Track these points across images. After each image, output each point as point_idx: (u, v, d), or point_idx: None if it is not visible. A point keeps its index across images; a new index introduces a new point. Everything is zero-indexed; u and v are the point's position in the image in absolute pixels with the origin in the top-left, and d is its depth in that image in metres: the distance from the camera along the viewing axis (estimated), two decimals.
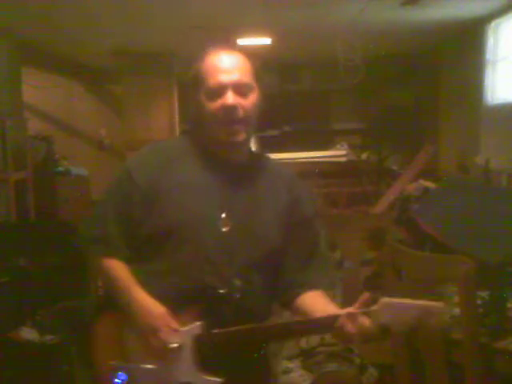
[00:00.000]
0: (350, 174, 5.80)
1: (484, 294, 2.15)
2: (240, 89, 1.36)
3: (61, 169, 5.22)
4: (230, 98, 1.34)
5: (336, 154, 6.21)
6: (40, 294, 3.05)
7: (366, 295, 1.22)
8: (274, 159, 1.58)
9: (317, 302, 1.36)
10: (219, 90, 1.35)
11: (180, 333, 1.28)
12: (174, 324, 1.28)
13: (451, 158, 5.52)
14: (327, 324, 1.24)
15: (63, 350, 2.77)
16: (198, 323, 1.28)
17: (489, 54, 4.83)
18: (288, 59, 6.67)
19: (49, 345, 2.75)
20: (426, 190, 4.15)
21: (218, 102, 1.35)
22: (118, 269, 1.39)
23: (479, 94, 4.93)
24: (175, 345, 1.27)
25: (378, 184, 5.76)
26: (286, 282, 1.43)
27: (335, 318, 1.22)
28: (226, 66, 1.37)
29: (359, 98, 6.86)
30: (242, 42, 4.89)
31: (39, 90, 6.08)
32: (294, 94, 6.93)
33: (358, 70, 5.10)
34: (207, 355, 1.28)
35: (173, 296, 1.32)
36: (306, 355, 2.60)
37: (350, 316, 1.20)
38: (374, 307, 1.19)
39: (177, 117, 6.19)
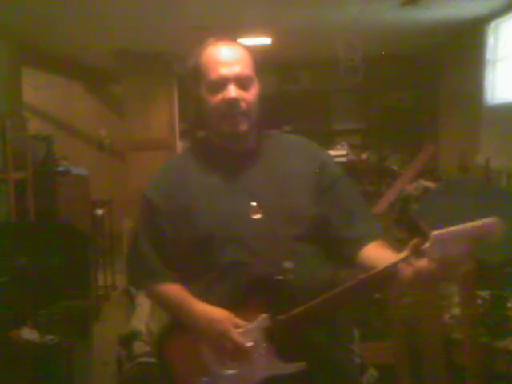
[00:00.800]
0: (350, 174, 5.78)
1: (484, 293, 2.15)
2: (241, 81, 1.35)
3: (61, 169, 5.21)
4: (232, 91, 1.33)
5: (336, 154, 6.20)
6: (40, 294, 3.04)
7: (415, 239, 1.17)
8: (287, 134, 1.58)
9: (376, 254, 1.33)
10: (221, 83, 1.34)
11: (250, 329, 1.28)
12: (242, 323, 1.28)
13: (451, 158, 5.52)
14: (387, 275, 1.20)
15: (63, 350, 2.77)
16: (263, 315, 1.28)
17: (489, 54, 4.83)
18: (288, 59, 6.67)
19: (49, 345, 2.74)
20: (426, 189, 4.15)
21: (220, 96, 1.34)
22: (170, 290, 1.41)
23: (479, 94, 4.93)
24: (250, 343, 1.27)
25: (378, 184, 5.76)
26: (341, 243, 1.41)
27: (392, 267, 1.18)
28: (227, 58, 1.36)
29: (359, 98, 6.87)
30: (242, 42, 4.87)
31: (39, 90, 6.10)
32: (294, 94, 6.93)
33: (358, 70, 5.10)
34: (282, 343, 1.27)
35: (231, 297, 1.32)
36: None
37: (405, 261, 1.16)
38: (426, 245, 1.13)
39: (177, 117, 6.19)
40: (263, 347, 1.28)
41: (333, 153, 6.25)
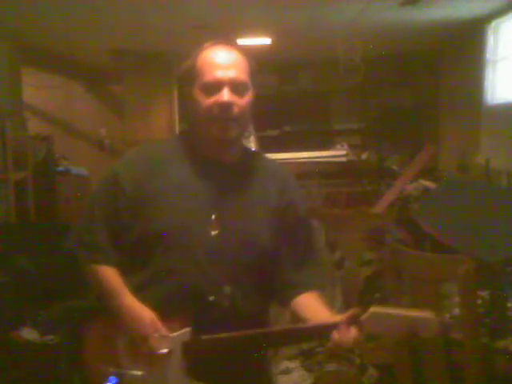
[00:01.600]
0: (350, 173, 5.79)
1: (484, 293, 2.15)
2: (236, 86, 1.32)
3: (61, 169, 5.22)
4: (226, 94, 1.31)
5: (336, 153, 6.20)
6: (40, 294, 3.04)
7: (356, 309, 1.21)
8: (268, 157, 1.54)
9: (310, 307, 1.35)
10: (215, 86, 1.32)
11: (169, 339, 1.27)
12: (163, 330, 1.27)
13: (451, 158, 5.52)
14: (314, 333, 1.26)
15: (63, 350, 2.77)
16: (186, 329, 1.27)
17: (489, 54, 4.83)
18: (288, 59, 6.67)
19: (49, 345, 2.74)
20: (426, 189, 4.15)
21: (213, 98, 1.32)
22: (107, 275, 1.37)
23: (479, 94, 4.93)
24: (164, 351, 1.26)
25: (378, 184, 5.75)
26: (281, 283, 1.42)
27: (324, 327, 1.22)
28: (224, 61, 1.33)
29: (359, 98, 6.86)
30: (242, 41, 4.89)
31: (39, 90, 6.09)
32: (294, 94, 6.92)
33: (358, 70, 5.10)
34: (196, 361, 1.27)
35: (162, 301, 1.30)
36: (305, 355, 2.61)
37: (338, 326, 1.19)
38: (363, 317, 1.18)
39: (177, 117, 6.19)
40: (176, 359, 1.27)
41: (333, 153, 6.26)
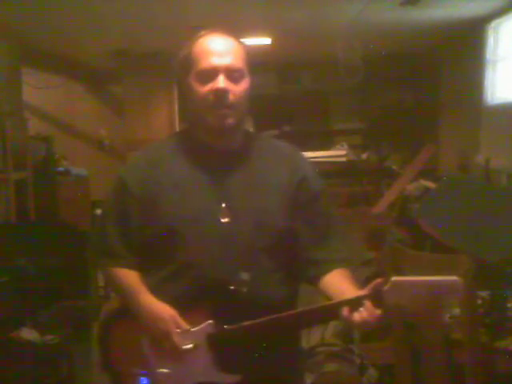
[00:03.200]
0: (350, 173, 5.79)
1: (484, 293, 2.15)
2: (232, 73, 1.31)
3: (61, 169, 5.22)
4: (222, 81, 1.29)
5: (336, 153, 6.19)
6: (40, 294, 3.04)
7: (377, 280, 1.17)
8: (273, 139, 1.52)
9: (336, 285, 1.31)
10: (211, 73, 1.30)
11: (192, 333, 1.27)
12: (184, 325, 1.27)
13: (451, 158, 5.52)
14: (338, 310, 1.19)
15: (63, 350, 2.77)
16: (209, 322, 1.27)
17: (489, 54, 4.83)
18: (288, 59, 6.67)
19: (49, 345, 2.74)
20: (426, 189, 4.15)
21: (209, 86, 1.30)
22: (126, 276, 1.38)
23: (479, 94, 4.93)
24: (189, 346, 1.26)
25: (378, 184, 5.75)
26: (305, 263, 1.38)
27: (345, 303, 1.18)
28: (219, 49, 1.32)
29: (359, 98, 6.86)
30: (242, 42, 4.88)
31: (39, 90, 6.09)
32: (294, 94, 6.92)
33: (358, 70, 5.10)
34: (222, 352, 1.26)
35: (182, 296, 1.30)
36: (306, 355, 2.60)
37: (362, 301, 1.16)
38: (386, 287, 1.14)
39: (177, 117, 6.19)
40: (203, 353, 1.27)
41: (333, 153, 6.25)
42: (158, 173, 1.37)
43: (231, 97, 1.31)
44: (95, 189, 5.53)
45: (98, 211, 5.06)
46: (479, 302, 2.08)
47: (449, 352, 1.93)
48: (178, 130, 6.15)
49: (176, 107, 6.17)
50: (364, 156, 6.41)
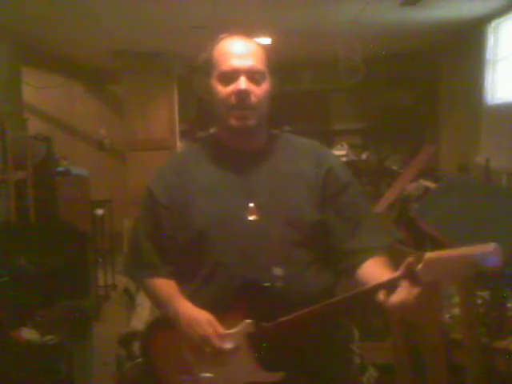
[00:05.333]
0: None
1: (484, 293, 2.15)
2: (253, 75, 1.34)
3: (61, 169, 5.21)
4: (243, 83, 1.32)
5: (336, 154, 6.20)
6: (40, 294, 3.04)
7: (410, 259, 1.13)
8: (294, 135, 1.53)
9: (373, 273, 1.29)
10: (232, 75, 1.33)
11: (231, 335, 1.27)
12: (222, 329, 1.27)
13: (451, 158, 5.52)
14: (375, 294, 1.15)
15: (63, 350, 2.77)
16: (247, 321, 1.26)
17: (489, 54, 4.83)
18: (288, 59, 6.66)
19: (49, 345, 2.74)
20: (426, 189, 4.15)
21: (231, 87, 1.33)
22: (161, 286, 1.40)
23: (479, 93, 4.93)
24: (228, 347, 1.26)
25: (378, 184, 5.75)
26: (341, 253, 1.37)
27: (380, 287, 1.14)
28: (240, 51, 1.35)
29: (359, 98, 6.86)
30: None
31: (39, 90, 6.09)
32: (294, 94, 6.92)
33: (358, 70, 5.10)
34: (264, 351, 1.26)
35: (218, 300, 1.31)
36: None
37: (395, 281, 1.12)
38: (420, 266, 1.10)
39: (177, 117, 6.19)
40: (244, 353, 1.26)
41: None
42: (183, 180, 1.40)
43: (253, 98, 1.34)
44: (95, 189, 5.53)
45: (99, 211, 5.06)
46: (479, 301, 2.08)
47: (449, 352, 1.93)
48: (177, 130, 6.15)
49: (176, 107, 6.17)
50: (364, 156, 6.42)
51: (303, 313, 1.22)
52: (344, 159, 6.13)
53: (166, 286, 1.40)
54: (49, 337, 2.77)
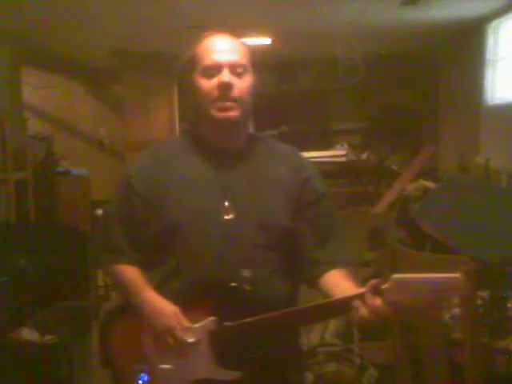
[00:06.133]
0: (350, 174, 5.79)
1: (484, 293, 2.15)
2: (236, 69, 1.34)
3: (61, 169, 5.22)
4: (226, 75, 1.33)
5: (336, 153, 6.20)
6: (40, 294, 3.04)
7: (376, 279, 1.18)
8: (276, 141, 1.54)
9: (337, 284, 1.33)
10: (215, 69, 1.34)
11: (194, 329, 1.28)
12: (186, 322, 1.28)
13: (451, 158, 5.52)
14: (339, 307, 1.21)
15: (63, 350, 2.77)
16: (211, 318, 1.27)
17: (489, 54, 4.83)
18: (287, 59, 6.67)
19: (49, 345, 2.74)
20: (426, 189, 4.15)
21: (214, 81, 1.34)
22: (128, 273, 1.39)
23: (479, 93, 4.93)
24: (191, 340, 1.27)
25: (378, 184, 5.76)
26: (307, 262, 1.40)
27: (345, 300, 1.19)
28: (223, 46, 1.36)
29: (359, 97, 6.87)
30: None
31: (39, 90, 6.09)
32: (294, 94, 6.93)
33: (358, 70, 5.10)
34: (224, 349, 1.27)
35: (184, 293, 1.31)
36: (305, 354, 2.60)
37: (362, 297, 1.17)
38: (386, 285, 1.14)
39: (177, 117, 6.19)
40: (204, 349, 1.27)
41: (333, 153, 6.26)
42: (164, 171, 1.39)
43: (235, 91, 1.34)
44: (95, 189, 5.53)
45: (99, 211, 5.06)
46: (479, 302, 2.08)
47: (449, 352, 1.93)
48: (177, 129, 6.15)
49: (176, 107, 6.17)
50: (364, 156, 6.42)
51: (268, 316, 1.24)
52: (344, 159, 6.14)
53: (132, 273, 1.39)
54: (49, 337, 2.77)
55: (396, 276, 1.13)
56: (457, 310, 2.03)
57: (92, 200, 5.26)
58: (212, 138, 1.41)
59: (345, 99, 6.97)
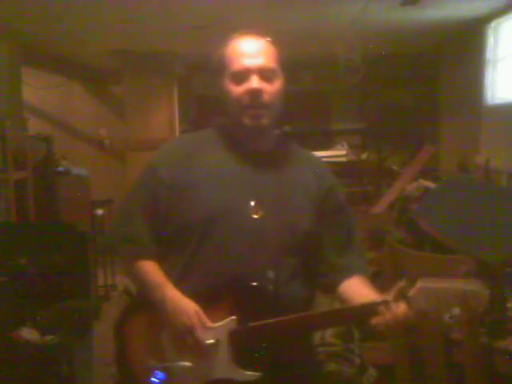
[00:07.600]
0: (350, 173, 5.79)
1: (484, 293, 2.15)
2: (265, 73, 1.34)
3: (61, 169, 5.21)
4: (255, 82, 1.33)
5: (336, 153, 6.20)
6: (40, 294, 3.04)
7: (402, 283, 1.18)
8: (300, 147, 1.55)
9: (358, 289, 1.34)
10: (244, 74, 1.33)
11: (215, 329, 1.27)
12: (207, 321, 1.27)
13: (451, 158, 5.51)
14: (363, 312, 1.22)
15: (63, 350, 2.77)
16: (232, 318, 1.27)
17: (489, 54, 4.83)
18: (287, 59, 6.66)
19: (49, 345, 2.74)
20: (426, 189, 4.15)
21: (243, 86, 1.33)
22: (149, 268, 1.38)
23: (479, 93, 4.93)
24: (211, 341, 1.26)
25: (378, 184, 5.76)
26: (326, 268, 1.41)
27: (371, 306, 1.19)
28: (251, 50, 1.35)
29: (359, 98, 6.86)
30: None
31: (39, 90, 6.09)
32: (294, 94, 6.89)
33: (358, 70, 5.10)
34: (244, 349, 1.27)
35: (205, 291, 1.30)
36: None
37: (387, 303, 1.17)
38: (410, 293, 1.14)
39: (177, 117, 6.19)
40: (224, 349, 1.27)
41: (333, 153, 6.26)
42: (190, 163, 1.38)
43: (265, 96, 1.34)
44: (95, 189, 5.53)
45: (99, 211, 5.06)
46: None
47: (449, 352, 1.93)
48: (178, 130, 6.15)
49: (176, 107, 6.17)
50: (364, 156, 6.42)
51: (292, 318, 1.24)
52: (344, 159, 6.13)
53: (153, 269, 1.37)
54: (49, 337, 2.77)
55: (422, 284, 1.13)
56: (457, 310, 2.03)
57: (92, 200, 5.26)
58: (242, 139, 1.41)
59: (345, 99, 6.96)
